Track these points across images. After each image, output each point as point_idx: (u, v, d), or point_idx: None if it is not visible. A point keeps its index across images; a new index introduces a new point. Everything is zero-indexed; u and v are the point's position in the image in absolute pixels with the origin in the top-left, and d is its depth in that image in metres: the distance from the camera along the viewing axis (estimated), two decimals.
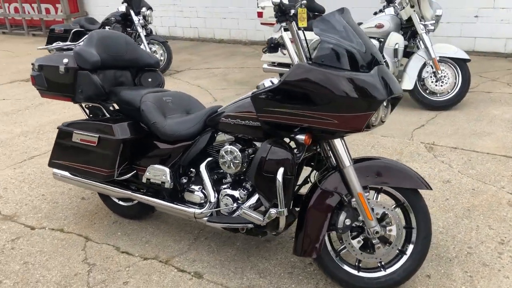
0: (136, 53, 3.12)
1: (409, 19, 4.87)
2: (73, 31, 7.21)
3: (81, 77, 2.83)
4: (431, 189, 2.31)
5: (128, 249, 2.82)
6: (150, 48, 6.87)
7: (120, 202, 3.12)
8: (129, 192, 2.81)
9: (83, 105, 3.08)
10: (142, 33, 6.77)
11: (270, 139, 2.31)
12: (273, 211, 2.24)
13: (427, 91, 4.86)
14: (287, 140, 2.33)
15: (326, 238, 2.34)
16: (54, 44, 3.20)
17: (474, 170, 3.54)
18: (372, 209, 2.29)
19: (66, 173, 2.98)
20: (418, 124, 4.53)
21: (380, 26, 4.95)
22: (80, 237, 2.97)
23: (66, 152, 2.86)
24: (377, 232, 2.25)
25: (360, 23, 5.13)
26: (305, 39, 2.26)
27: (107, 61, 2.93)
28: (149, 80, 3.20)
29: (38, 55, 3.18)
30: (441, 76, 4.77)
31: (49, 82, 2.95)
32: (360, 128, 2.10)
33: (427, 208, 2.34)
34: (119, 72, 3.07)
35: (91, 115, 3.10)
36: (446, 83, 4.79)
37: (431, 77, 4.80)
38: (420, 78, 4.82)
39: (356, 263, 2.36)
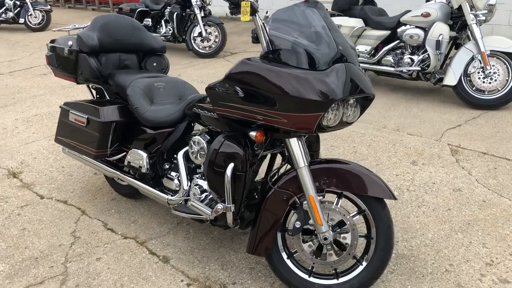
0: (142, 37, 3.20)
1: (460, 8, 4.47)
2: (138, 10, 7.53)
3: (80, 60, 2.97)
4: (395, 199, 2.14)
5: (114, 227, 2.95)
6: (206, 30, 6.98)
7: (118, 180, 3.26)
8: (117, 172, 2.92)
9: (90, 86, 3.24)
10: (199, 14, 6.89)
11: (226, 133, 2.28)
12: (219, 206, 2.22)
13: (474, 88, 4.46)
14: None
15: (280, 239, 2.28)
16: (70, 26, 3.38)
17: (495, 180, 3.21)
18: (328, 214, 2.19)
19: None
20: (454, 124, 4.19)
21: (426, 15, 4.60)
22: (78, 211, 3.16)
23: (65, 129, 3.04)
24: (325, 238, 2.15)
25: (407, 11, 4.81)
26: (266, 31, 2.18)
27: (110, 44, 3.03)
28: (154, 64, 3.27)
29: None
30: (490, 72, 4.34)
31: (59, 62, 3.13)
32: (310, 128, 2.00)
33: (390, 219, 2.18)
34: (124, 56, 3.17)
35: (97, 96, 3.25)
36: (496, 80, 4.35)
37: (478, 72, 4.39)
38: (466, 73, 4.43)
39: (310, 268, 2.28)
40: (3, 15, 10.00)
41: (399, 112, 4.53)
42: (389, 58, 4.90)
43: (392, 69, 4.85)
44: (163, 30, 7.39)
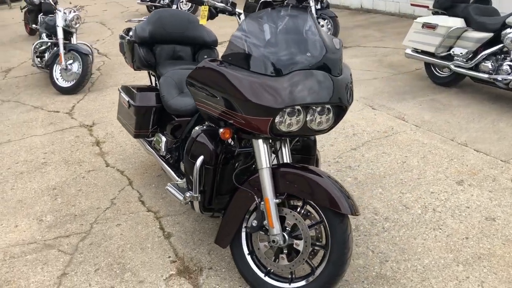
0: (196, 31, 3.46)
1: None
2: (261, 1, 7.83)
3: (134, 49, 3.36)
4: (354, 215, 2.08)
5: (145, 199, 3.32)
6: (319, 22, 6.99)
7: None
8: (152, 151, 3.26)
9: (150, 72, 3.63)
10: (313, 6, 6.92)
11: (207, 126, 2.42)
12: (187, 194, 2.39)
13: None
14: None
15: (244, 235, 2.36)
16: (142, 18, 3.80)
17: None
18: (284, 218, 2.22)
19: None
20: None
21: None
22: (127, 181, 3.61)
23: (120, 109, 3.48)
24: (273, 241, 2.18)
25: None
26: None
27: (162, 36, 3.37)
28: (205, 57, 3.52)
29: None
30: None
31: (125, 50, 3.58)
32: (264, 131, 2.07)
33: (347, 235, 2.12)
34: (179, 48, 3.48)
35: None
36: None
37: None
38: None
39: (269, 268, 2.33)
40: (161, 1, 11.22)
41: (482, 125, 4.07)
42: (488, 64, 4.39)
43: (486, 76, 4.35)
44: None
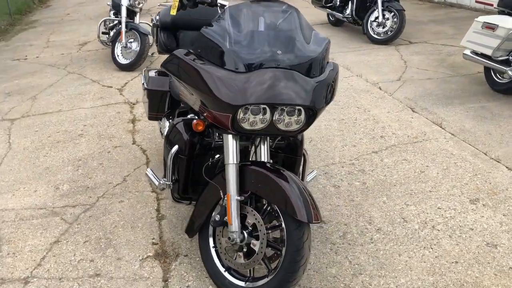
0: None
1: None
2: None
3: (157, 33, 3.44)
4: (313, 222, 2.02)
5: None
6: (384, 15, 6.68)
7: None
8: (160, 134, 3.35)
9: None
10: None
11: (186, 116, 2.45)
12: (161, 181, 2.44)
13: None
14: None
15: (211, 228, 2.37)
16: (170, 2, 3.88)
17: None
18: (246, 216, 2.19)
19: None
20: None
21: None
22: (145, 160, 3.75)
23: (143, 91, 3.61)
24: (230, 238, 2.16)
25: None
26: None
27: (186, 22, 3.41)
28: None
29: None
30: None
31: (154, 34, 3.69)
32: (226, 127, 2.06)
33: (302, 242, 2.06)
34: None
35: None
36: None
37: None
38: None
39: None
40: None
41: None
42: None
43: None
44: (347, 11, 7.36)
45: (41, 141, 4.17)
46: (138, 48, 6.08)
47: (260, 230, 2.15)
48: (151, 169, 2.74)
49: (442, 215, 2.82)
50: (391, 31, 6.71)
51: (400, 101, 4.58)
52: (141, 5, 6.34)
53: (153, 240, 2.76)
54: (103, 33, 6.62)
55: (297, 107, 2.04)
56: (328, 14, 8.22)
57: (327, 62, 2.32)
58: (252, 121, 2.03)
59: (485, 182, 3.14)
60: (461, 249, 2.53)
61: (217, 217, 2.26)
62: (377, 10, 6.71)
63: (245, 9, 2.13)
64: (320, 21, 8.42)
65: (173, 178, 2.45)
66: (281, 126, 2.07)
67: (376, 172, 3.34)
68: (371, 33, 6.86)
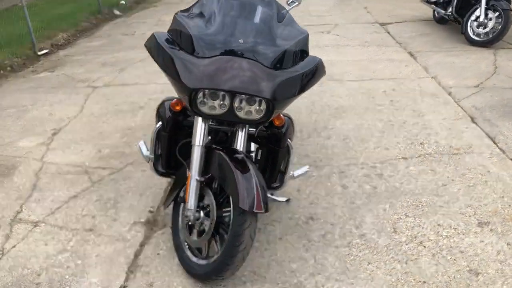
0: None
1: None
2: None
3: None
4: (251, 211, 2.07)
5: None
6: (487, 14, 6.09)
7: None
8: None
9: None
10: None
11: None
12: (147, 153, 2.63)
13: None
14: None
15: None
16: None
17: None
18: (203, 196, 2.30)
19: None
20: None
21: None
22: None
23: None
24: (186, 216, 2.28)
25: None
26: None
27: None
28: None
29: None
30: None
31: None
32: (188, 109, 2.17)
33: (243, 229, 2.11)
34: None
35: None
36: None
37: None
38: None
39: None
40: None
41: None
42: None
43: None
44: (450, 8, 6.83)
45: (107, 108, 4.64)
46: None
47: (211, 211, 2.24)
48: (144, 142, 2.95)
49: (437, 232, 2.62)
50: (493, 33, 6.09)
51: (464, 109, 4.21)
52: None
53: (151, 209, 2.99)
54: None
55: (259, 97, 2.07)
56: (433, 11, 7.71)
57: (306, 56, 2.30)
58: (211, 105, 2.11)
59: (509, 206, 2.82)
60: (436, 271, 2.34)
61: (182, 194, 2.39)
62: (479, 8, 6.14)
63: None
64: (426, 17, 7.93)
65: (158, 153, 2.62)
66: (241, 114, 2.13)
67: (394, 179, 3.17)
68: (470, 33, 6.30)
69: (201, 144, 2.28)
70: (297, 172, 2.82)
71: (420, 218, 2.75)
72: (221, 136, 2.47)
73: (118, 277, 2.42)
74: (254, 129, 2.49)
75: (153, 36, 2.34)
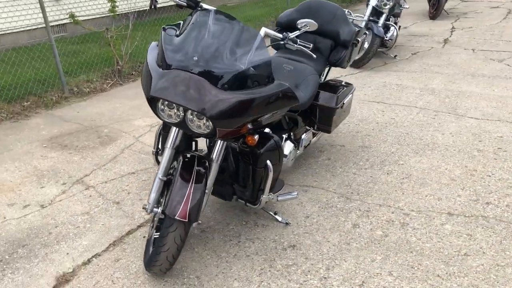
0: (338, 27, 3.52)
1: None
2: None
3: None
4: (173, 217, 2.23)
5: None
6: None
7: None
8: None
9: None
10: None
11: None
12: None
13: None
14: None
15: None
16: None
17: None
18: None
19: None
20: None
21: None
22: None
23: None
24: (142, 208, 2.52)
25: None
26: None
27: None
28: (335, 54, 3.54)
29: None
30: None
31: None
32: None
33: (167, 232, 2.30)
34: (320, 39, 3.63)
35: None
36: None
37: None
38: None
39: None
40: None
41: None
42: None
43: None
44: None
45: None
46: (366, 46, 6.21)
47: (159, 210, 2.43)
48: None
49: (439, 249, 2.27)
50: None
51: None
52: (387, 7, 6.34)
53: None
54: None
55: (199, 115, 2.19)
56: None
57: (271, 81, 2.29)
58: (169, 114, 2.30)
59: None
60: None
61: None
62: None
63: (200, 17, 2.35)
64: None
65: (159, 147, 2.91)
66: (192, 126, 2.26)
67: (415, 232, 2.80)
68: None
69: (170, 146, 2.48)
70: (282, 196, 2.78)
71: (402, 282, 2.41)
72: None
73: (101, 246, 2.81)
74: (236, 143, 2.57)
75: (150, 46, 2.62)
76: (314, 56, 2.66)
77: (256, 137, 2.49)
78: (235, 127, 2.26)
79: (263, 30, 2.59)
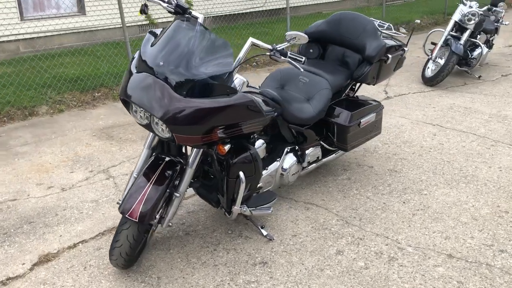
0: (365, 42, 3.36)
1: None
2: None
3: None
4: (123, 215, 2.31)
5: None
6: None
7: None
8: None
9: None
10: None
11: None
12: None
13: None
14: None
15: None
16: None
17: None
18: None
19: None
20: None
21: None
22: None
23: None
24: (117, 203, 2.63)
25: None
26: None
27: (332, 37, 3.51)
28: (359, 69, 3.38)
29: None
30: None
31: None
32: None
33: (122, 228, 2.40)
34: (349, 53, 3.50)
35: None
36: None
37: None
38: None
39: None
40: None
41: None
42: None
43: None
44: None
45: None
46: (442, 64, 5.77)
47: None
48: None
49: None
50: None
51: None
52: (472, 22, 5.82)
53: None
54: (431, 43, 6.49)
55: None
56: None
57: (228, 91, 2.27)
58: (140, 116, 2.37)
59: None
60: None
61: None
62: None
63: (176, 24, 2.38)
64: None
65: None
66: (158, 129, 2.32)
67: (401, 269, 2.55)
68: None
69: (147, 147, 2.57)
70: (256, 211, 2.71)
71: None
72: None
73: (91, 233, 2.98)
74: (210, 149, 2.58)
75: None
76: (302, 69, 2.55)
77: (227, 146, 2.47)
78: (194, 135, 2.26)
79: (249, 41, 2.56)
